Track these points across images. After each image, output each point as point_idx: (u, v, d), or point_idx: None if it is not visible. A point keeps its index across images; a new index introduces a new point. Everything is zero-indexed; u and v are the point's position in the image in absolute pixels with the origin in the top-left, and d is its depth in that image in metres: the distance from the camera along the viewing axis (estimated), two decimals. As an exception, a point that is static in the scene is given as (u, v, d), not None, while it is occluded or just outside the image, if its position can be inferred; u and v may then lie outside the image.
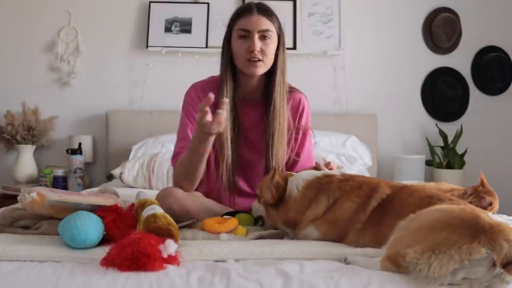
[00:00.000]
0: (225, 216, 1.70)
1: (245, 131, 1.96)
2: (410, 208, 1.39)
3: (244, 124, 1.96)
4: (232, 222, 1.61)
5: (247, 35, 1.88)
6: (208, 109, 1.65)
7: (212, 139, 1.75)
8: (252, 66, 1.88)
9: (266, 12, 1.92)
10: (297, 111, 2.02)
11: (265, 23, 1.89)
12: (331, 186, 1.57)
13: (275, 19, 1.93)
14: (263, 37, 1.88)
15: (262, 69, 1.90)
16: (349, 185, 1.56)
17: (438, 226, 1.25)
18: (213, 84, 1.96)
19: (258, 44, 1.87)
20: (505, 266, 1.18)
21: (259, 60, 1.88)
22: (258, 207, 1.73)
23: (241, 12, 1.92)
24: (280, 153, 1.93)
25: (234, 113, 1.93)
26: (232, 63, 1.94)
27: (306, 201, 1.57)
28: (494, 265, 1.19)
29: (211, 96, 1.64)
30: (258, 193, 1.72)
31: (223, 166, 1.91)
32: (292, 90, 2.03)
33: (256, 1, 1.97)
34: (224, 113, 1.68)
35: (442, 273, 1.18)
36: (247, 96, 1.97)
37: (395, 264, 1.24)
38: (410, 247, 1.23)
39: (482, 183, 2.16)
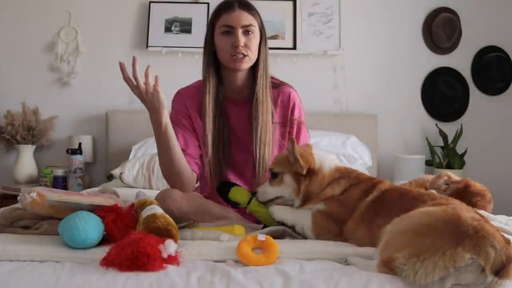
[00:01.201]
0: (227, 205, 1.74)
1: (234, 130, 1.97)
2: (396, 211, 1.40)
3: (232, 123, 1.97)
4: (273, 253, 1.37)
5: (230, 31, 1.89)
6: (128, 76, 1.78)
7: (159, 112, 1.76)
8: (238, 61, 1.89)
9: (248, 7, 1.93)
10: (287, 106, 2.02)
11: (247, 18, 1.90)
12: (351, 174, 1.68)
13: (257, 14, 1.95)
14: (246, 32, 1.90)
15: (247, 63, 1.91)
16: (365, 176, 1.68)
17: (423, 231, 1.25)
18: (199, 89, 1.96)
19: (242, 39, 1.88)
20: (497, 273, 1.16)
21: (244, 55, 1.89)
22: (272, 190, 1.71)
23: (223, 8, 1.92)
24: (266, 148, 1.93)
25: (218, 111, 1.94)
26: (215, 60, 1.94)
27: (330, 180, 1.65)
28: (483, 270, 1.17)
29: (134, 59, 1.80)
30: (277, 170, 1.70)
31: (208, 165, 1.92)
32: (280, 84, 2.04)
33: None
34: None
35: (428, 281, 1.17)
36: (233, 95, 1.98)
37: (390, 269, 1.24)
38: (399, 252, 1.23)
39: (465, 185, 2.11)
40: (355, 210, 1.55)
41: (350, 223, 1.54)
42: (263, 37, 1.95)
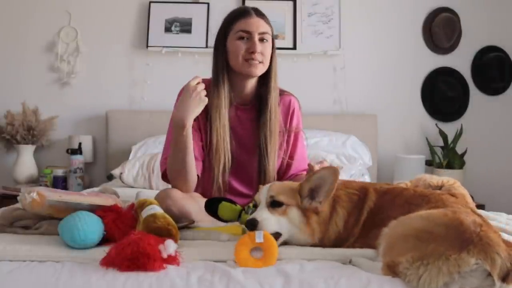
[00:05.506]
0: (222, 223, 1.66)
1: (237, 133, 1.99)
2: (391, 220, 1.37)
3: (236, 127, 1.98)
4: (272, 255, 1.35)
5: (247, 36, 1.91)
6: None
7: (190, 117, 1.77)
8: (252, 66, 1.91)
9: (263, 15, 1.97)
10: (287, 114, 2.05)
11: (264, 26, 1.93)
12: (342, 200, 1.52)
13: (270, 23, 1.98)
14: (261, 39, 1.92)
15: (260, 70, 1.93)
16: (350, 199, 1.52)
17: (423, 237, 1.22)
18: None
19: (259, 46, 1.90)
20: (504, 279, 1.16)
21: (259, 62, 1.91)
22: (275, 221, 1.46)
23: (240, 14, 1.95)
24: (273, 155, 1.96)
25: (227, 116, 1.94)
26: (227, 66, 1.95)
27: (329, 215, 1.49)
28: (489, 274, 1.16)
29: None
30: (281, 199, 1.47)
31: (218, 168, 1.92)
32: (281, 92, 2.05)
33: (250, 6, 2.02)
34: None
35: (432, 286, 1.16)
36: (239, 100, 2.00)
37: (394, 272, 1.23)
38: (402, 256, 1.22)
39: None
40: (350, 236, 1.48)
41: (345, 246, 1.48)
42: (274, 47, 1.98)
